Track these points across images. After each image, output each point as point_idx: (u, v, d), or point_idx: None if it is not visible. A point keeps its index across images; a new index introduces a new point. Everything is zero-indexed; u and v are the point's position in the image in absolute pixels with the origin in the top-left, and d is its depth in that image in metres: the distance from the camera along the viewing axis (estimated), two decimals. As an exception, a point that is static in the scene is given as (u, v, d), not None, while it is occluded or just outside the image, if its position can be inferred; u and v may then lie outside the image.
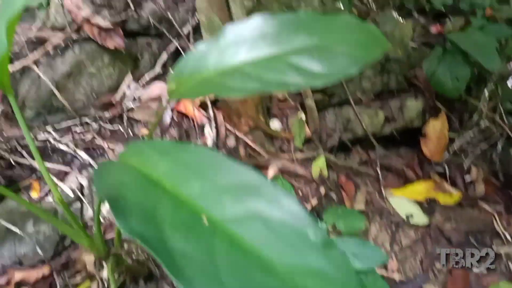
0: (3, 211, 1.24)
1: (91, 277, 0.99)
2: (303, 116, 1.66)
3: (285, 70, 0.56)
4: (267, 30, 0.62)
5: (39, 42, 1.57)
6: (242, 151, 1.63)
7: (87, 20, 1.56)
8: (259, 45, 0.61)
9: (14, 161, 1.36)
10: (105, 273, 0.93)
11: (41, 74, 1.53)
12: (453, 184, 1.72)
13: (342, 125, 1.75)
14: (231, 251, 0.34)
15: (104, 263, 0.94)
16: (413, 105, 1.83)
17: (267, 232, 0.35)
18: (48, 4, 1.60)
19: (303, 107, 1.70)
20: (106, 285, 0.93)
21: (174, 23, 1.81)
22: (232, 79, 0.59)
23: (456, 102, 1.88)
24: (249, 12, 1.45)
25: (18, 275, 1.13)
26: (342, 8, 2.17)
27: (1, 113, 1.53)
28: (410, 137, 1.84)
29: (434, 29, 2.25)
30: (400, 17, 2.36)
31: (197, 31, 1.76)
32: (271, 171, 1.51)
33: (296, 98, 1.74)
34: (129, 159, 0.51)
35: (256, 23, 0.63)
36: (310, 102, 1.55)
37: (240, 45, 0.63)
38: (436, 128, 1.81)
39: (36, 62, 1.56)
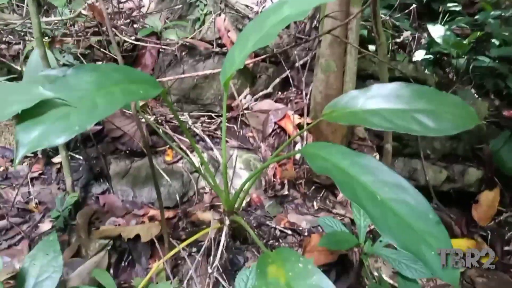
0: (145, 165, 1.66)
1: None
2: (377, 156, 1.98)
3: (409, 120, 0.91)
4: (401, 93, 0.98)
5: (191, 48, 2.04)
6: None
7: (228, 36, 2.01)
8: (394, 101, 0.97)
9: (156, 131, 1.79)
10: (225, 227, 1.30)
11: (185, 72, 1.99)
12: (492, 249, 1.95)
13: (408, 173, 2.05)
14: (387, 212, 0.73)
15: (226, 218, 1.31)
16: (474, 173, 2.10)
17: (408, 207, 0.74)
18: (203, 22, 2.08)
19: (379, 149, 2.03)
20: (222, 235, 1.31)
21: (291, 57, 2.23)
22: (373, 117, 0.95)
23: (512, 181, 2.13)
24: (358, 65, 1.83)
25: (151, 212, 1.53)
26: (428, 73, 2.51)
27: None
28: (464, 199, 2.10)
29: (506, 113, 2.51)
30: (478, 96, 2.65)
31: (306, 67, 2.16)
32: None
33: (374, 140, 2.07)
34: (318, 151, 0.90)
35: (393, 87, 0.99)
36: (388, 147, 1.87)
37: (381, 97, 0.99)
38: (489, 198, 2.06)
39: (183, 62, 2.03)
